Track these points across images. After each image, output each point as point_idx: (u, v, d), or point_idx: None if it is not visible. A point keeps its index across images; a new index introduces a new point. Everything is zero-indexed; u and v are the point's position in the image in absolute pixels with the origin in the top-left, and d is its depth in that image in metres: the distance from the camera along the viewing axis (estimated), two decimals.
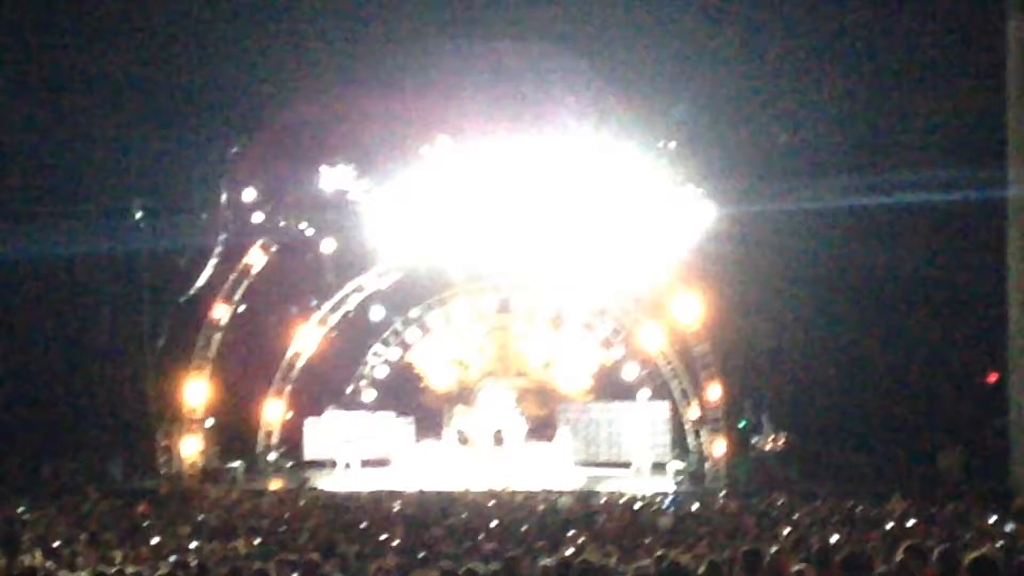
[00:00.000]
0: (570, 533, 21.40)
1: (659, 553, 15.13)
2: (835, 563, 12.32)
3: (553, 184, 39.14)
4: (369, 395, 46.18)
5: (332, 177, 40.57)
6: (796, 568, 12.13)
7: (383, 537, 20.98)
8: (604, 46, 39.06)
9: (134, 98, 38.23)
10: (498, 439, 42.90)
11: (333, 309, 44.66)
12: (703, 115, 37.94)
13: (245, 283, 42.15)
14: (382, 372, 46.39)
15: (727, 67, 38.03)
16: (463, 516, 25.76)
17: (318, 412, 44.40)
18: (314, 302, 44.16)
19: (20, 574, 12.93)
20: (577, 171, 38.91)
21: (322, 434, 44.10)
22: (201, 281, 41.25)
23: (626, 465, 42.04)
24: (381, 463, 42.80)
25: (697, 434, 41.13)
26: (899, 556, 11.93)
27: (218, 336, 42.04)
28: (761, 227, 37.63)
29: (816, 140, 37.65)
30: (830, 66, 37.96)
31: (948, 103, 36.29)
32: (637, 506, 28.88)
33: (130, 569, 15.22)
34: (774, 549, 13.82)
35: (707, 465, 40.14)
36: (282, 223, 41.42)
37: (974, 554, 11.46)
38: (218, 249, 41.16)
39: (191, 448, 41.24)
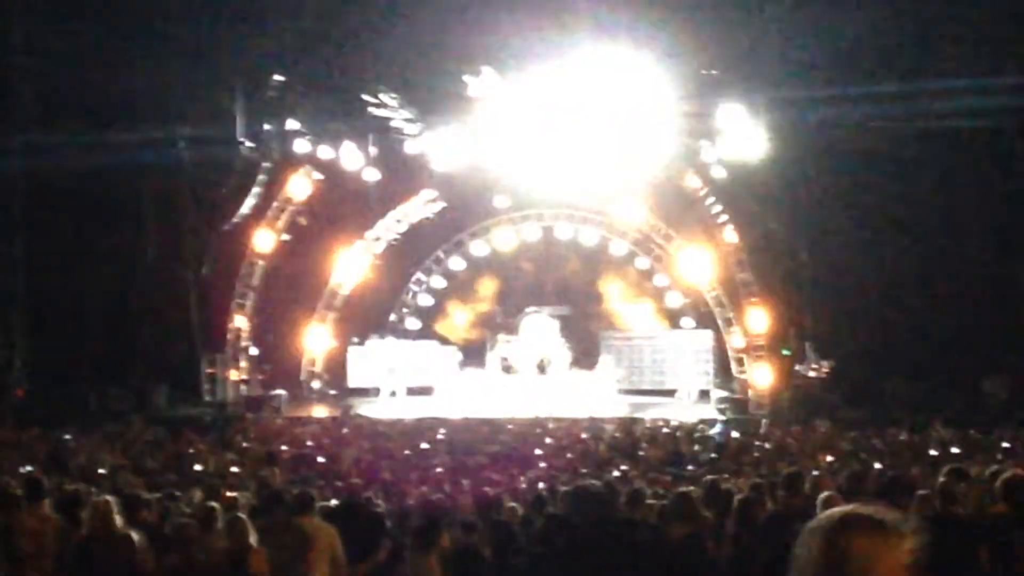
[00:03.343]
0: (614, 460, 21.46)
1: (706, 480, 15.17)
2: (868, 488, 12.33)
3: (596, 111, 38.91)
4: (412, 323, 46.35)
5: (376, 105, 40.45)
6: (825, 493, 12.14)
7: (427, 464, 21.08)
8: None
9: (179, 25, 38.13)
10: (541, 367, 43.02)
11: (377, 238, 44.71)
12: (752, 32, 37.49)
13: (288, 211, 42.23)
14: (425, 300, 46.52)
15: None
16: (507, 444, 25.85)
17: (362, 340, 44.58)
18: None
19: (64, 496, 13.04)
20: (620, 97, 38.67)
21: (365, 362, 44.32)
22: (245, 209, 41.28)
23: (670, 393, 42.13)
24: (424, 391, 42.99)
25: (741, 362, 41.12)
26: (941, 479, 11.91)
27: (262, 264, 42.19)
28: (805, 154, 37.42)
29: (863, 64, 37.19)
30: None
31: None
32: (681, 434, 28.93)
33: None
34: (815, 473, 13.82)
35: (750, 393, 40.15)
36: (325, 151, 41.32)
37: (1006, 475, 11.44)
38: (261, 177, 41.15)
39: (235, 376, 41.51)
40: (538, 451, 24.45)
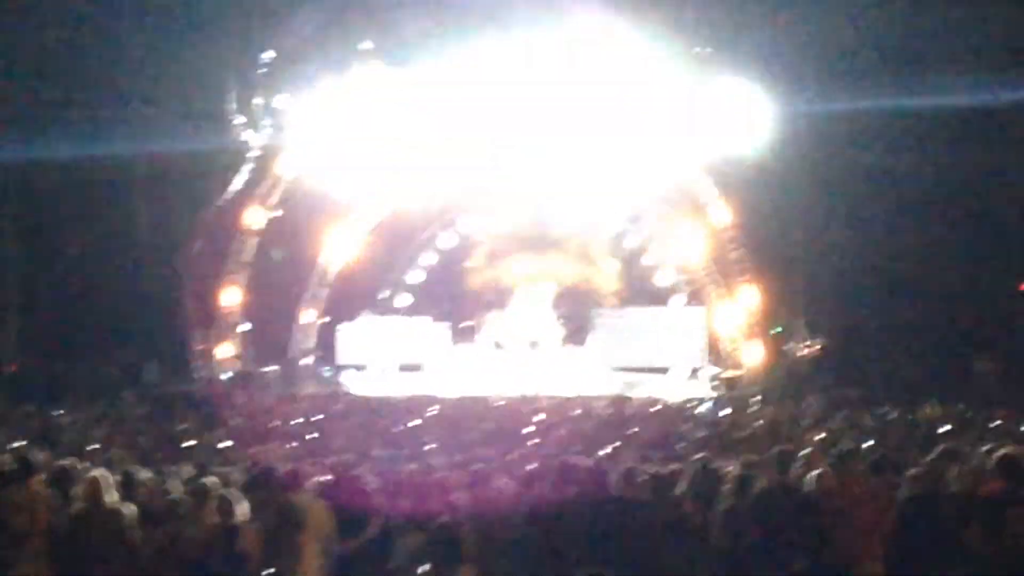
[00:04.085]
0: (605, 438, 21.40)
1: (697, 457, 15.13)
2: (858, 465, 12.33)
3: (584, 86, 38.84)
4: (404, 300, 46.28)
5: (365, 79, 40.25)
6: (817, 471, 12.12)
7: (418, 441, 21.03)
8: None
9: (170, 2, 38.06)
10: (532, 344, 42.94)
11: (368, 214, 44.50)
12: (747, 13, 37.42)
13: (280, 188, 42.08)
14: (417, 277, 46.44)
15: None
16: (498, 420, 25.79)
17: (352, 317, 44.49)
18: None
19: (56, 472, 13.04)
20: (607, 71, 38.60)
21: (356, 339, 44.24)
22: (236, 186, 41.16)
23: (660, 370, 42.05)
24: (415, 368, 42.94)
25: (733, 340, 41.07)
26: (932, 457, 11.92)
27: (253, 241, 42.06)
28: (797, 131, 37.35)
29: (854, 42, 37.19)
30: None
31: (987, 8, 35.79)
32: (672, 411, 28.90)
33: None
34: (806, 451, 13.80)
35: (742, 370, 40.13)
36: (316, 126, 41.11)
37: (1001, 452, 11.45)
38: (252, 154, 41.00)
39: (226, 353, 41.45)
40: (529, 428, 24.40)
